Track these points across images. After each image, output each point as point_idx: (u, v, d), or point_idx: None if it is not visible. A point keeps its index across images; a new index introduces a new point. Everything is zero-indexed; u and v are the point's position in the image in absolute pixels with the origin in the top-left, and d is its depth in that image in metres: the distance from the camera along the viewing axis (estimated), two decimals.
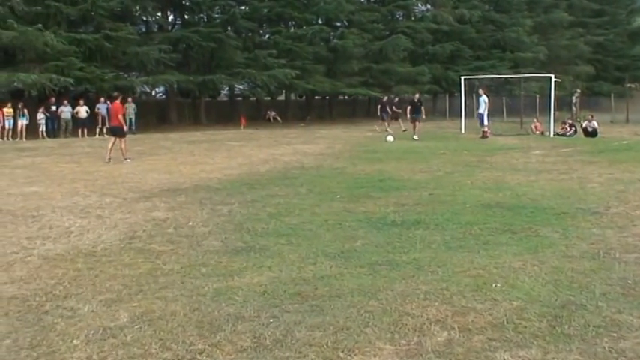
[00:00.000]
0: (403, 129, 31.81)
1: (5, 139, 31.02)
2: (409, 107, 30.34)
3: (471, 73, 40.14)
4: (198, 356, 4.82)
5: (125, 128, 20.59)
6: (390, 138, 26.44)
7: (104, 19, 37.47)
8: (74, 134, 32.63)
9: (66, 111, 33.23)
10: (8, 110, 31.66)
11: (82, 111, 33.52)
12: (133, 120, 35.31)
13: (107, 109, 28.98)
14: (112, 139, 19.83)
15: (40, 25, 33.52)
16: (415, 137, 27.99)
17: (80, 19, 37.62)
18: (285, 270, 7.05)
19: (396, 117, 34.28)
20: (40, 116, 32.60)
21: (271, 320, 5.50)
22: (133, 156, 20.09)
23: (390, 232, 8.88)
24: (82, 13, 36.94)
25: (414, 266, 7.07)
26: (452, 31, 55.50)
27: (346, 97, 57.32)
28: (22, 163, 19.43)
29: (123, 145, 19.54)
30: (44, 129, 32.56)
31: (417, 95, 32.69)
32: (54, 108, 33.10)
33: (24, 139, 30.81)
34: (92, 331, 5.33)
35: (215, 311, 5.77)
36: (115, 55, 37.31)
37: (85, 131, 32.87)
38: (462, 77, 33.88)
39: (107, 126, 22.49)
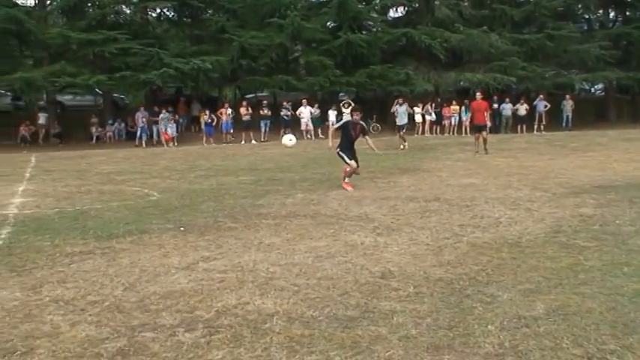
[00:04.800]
0: None
1: (450, 133, 33.07)
2: None
3: None
4: (608, 356, 4.65)
5: (488, 124, 22.09)
6: None
7: (547, 19, 37.65)
8: (513, 130, 33.22)
9: (507, 108, 34.01)
10: (454, 107, 33.68)
11: (522, 109, 33.94)
12: (570, 117, 34.77)
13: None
14: (477, 134, 21.53)
15: (485, 27, 35.25)
16: None
17: (523, 19, 38.49)
18: None
19: None
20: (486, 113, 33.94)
21: None
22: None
23: None
24: (525, 13, 37.88)
25: None
26: None
27: None
28: (463, 156, 20.53)
29: (482, 140, 21.00)
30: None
31: None
32: (495, 106, 34.11)
33: (469, 134, 32.41)
34: (507, 319, 5.47)
35: (631, 312, 5.49)
36: (556, 53, 37.26)
37: (524, 127, 33.23)
38: None
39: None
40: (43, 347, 5.11)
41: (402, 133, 24.95)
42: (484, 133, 20.94)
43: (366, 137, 14.16)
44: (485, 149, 20.61)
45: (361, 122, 14.08)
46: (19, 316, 5.86)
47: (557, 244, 8.11)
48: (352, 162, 13.65)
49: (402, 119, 25.59)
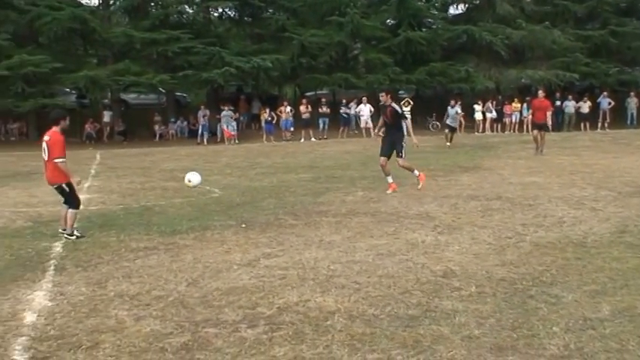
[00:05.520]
0: None
1: (511, 131, 32.62)
2: None
3: None
4: None
5: (549, 123, 21.25)
6: None
7: (610, 15, 37.04)
8: (576, 128, 32.61)
9: (570, 105, 33.42)
10: (515, 105, 33.21)
11: (585, 106, 33.29)
12: (634, 114, 34.02)
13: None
14: (535, 133, 20.33)
15: (547, 23, 34.88)
16: None
17: (586, 15, 38.01)
18: None
19: None
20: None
21: None
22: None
23: None
24: (588, 9, 37.34)
25: None
26: None
27: None
28: (524, 154, 20.19)
29: (541, 139, 19.90)
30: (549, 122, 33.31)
31: None
32: (558, 103, 33.58)
33: (530, 132, 31.89)
34: (572, 321, 5.40)
35: None
36: (620, 50, 36.57)
37: (587, 125, 32.56)
38: None
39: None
40: (108, 342, 5.24)
41: (447, 132, 24.47)
42: (542, 132, 20.26)
43: (405, 122, 13.19)
44: (541, 149, 19.93)
45: (392, 105, 12.78)
46: (84, 311, 6.03)
47: (623, 244, 7.96)
48: (381, 158, 12.94)
49: (452, 121, 24.97)
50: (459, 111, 26.23)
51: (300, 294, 6.31)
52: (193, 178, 11.34)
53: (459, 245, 8.19)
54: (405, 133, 13.33)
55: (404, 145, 12.86)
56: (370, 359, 4.77)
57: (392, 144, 12.85)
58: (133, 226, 10.02)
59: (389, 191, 12.73)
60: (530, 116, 22.26)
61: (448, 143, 23.78)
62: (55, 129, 9.55)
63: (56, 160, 9.33)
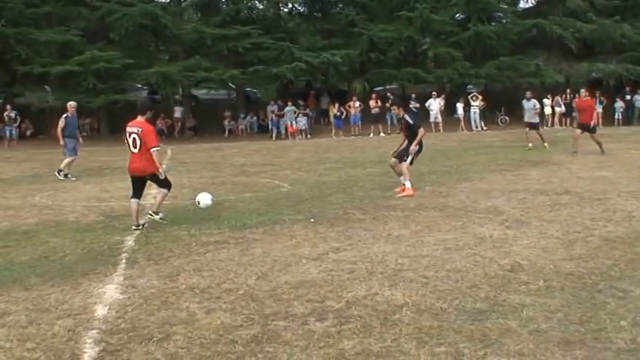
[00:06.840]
0: None
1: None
2: None
3: None
4: None
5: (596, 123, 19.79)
6: None
7: None
8: None
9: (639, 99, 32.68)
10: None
11: None
12: None
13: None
14: (578, 131, 18.76)
15: (617, 17, 34.48)
16: None
17: None
18: None
19: None
20: (618, 104, 32.84)
21: None
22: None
23: None
24: None
25: None
26: None
27: None
28: (593, 149, 19.66)
29: (596, 142, 18.47)
30: (619, 116, 32.61)
31: None
32: (628, 97, 32.92)
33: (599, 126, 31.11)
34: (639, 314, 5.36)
35: None
36: None
37: None
38: None
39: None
40: (179, 334, 5.37)
41: (538, 131, 22.17)
42: (592, 134, 18.65)
43: (419, 130, 12.23)
44: (602, 150, 18.55)
45: (405, 117, 12.39)
46: (156, 304, 6.19)
47: None
48: (392, 160, 12.50)
49: (530, 117, 22.50)
50: (537, 105, 23.55)
51: (369, 288, 6.37)
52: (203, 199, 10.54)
53: (527, 240, 8.13)
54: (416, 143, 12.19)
55: (413, 155, 12.20)
56: (438, 352, 4.80)
57: (405, 150, 12.31)
58: (204, 221, 10.21)
59: (398, 188, 12.31)
60: (578, 117, 20.68)
61: (529, 144, 21.31)
62: (141, 118, 9.74)
63: (153, 149, 9.45)
